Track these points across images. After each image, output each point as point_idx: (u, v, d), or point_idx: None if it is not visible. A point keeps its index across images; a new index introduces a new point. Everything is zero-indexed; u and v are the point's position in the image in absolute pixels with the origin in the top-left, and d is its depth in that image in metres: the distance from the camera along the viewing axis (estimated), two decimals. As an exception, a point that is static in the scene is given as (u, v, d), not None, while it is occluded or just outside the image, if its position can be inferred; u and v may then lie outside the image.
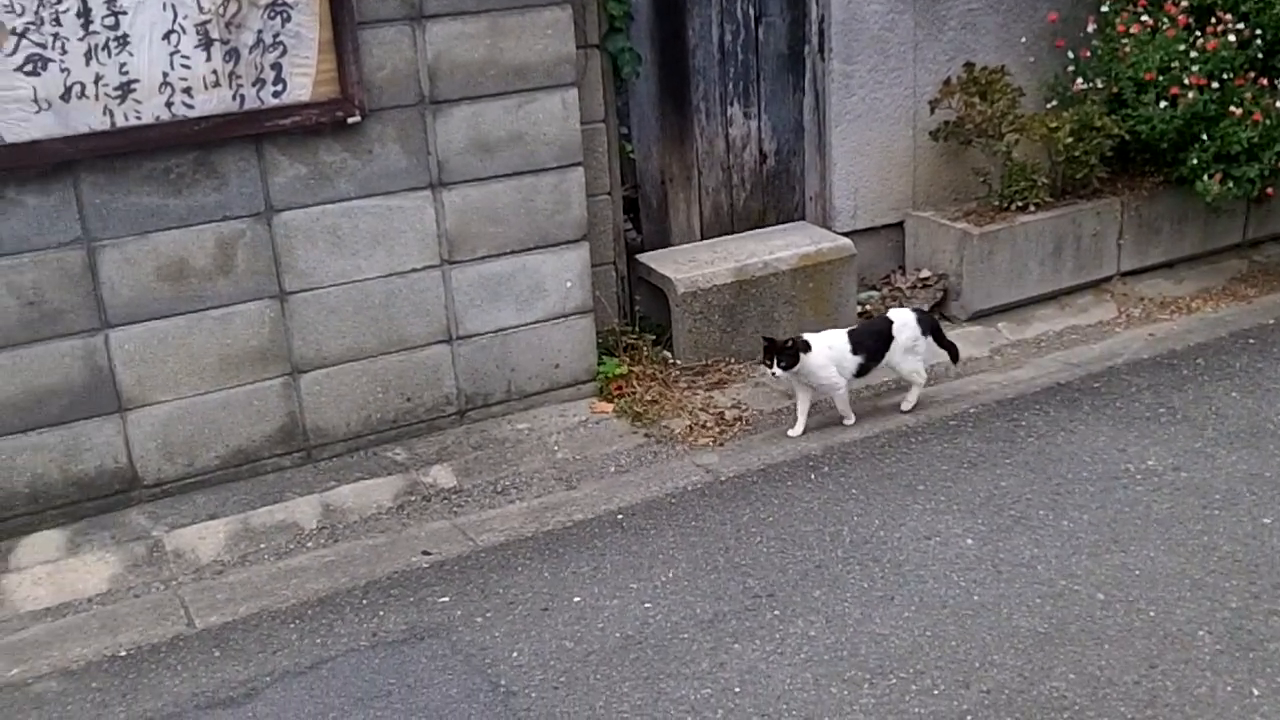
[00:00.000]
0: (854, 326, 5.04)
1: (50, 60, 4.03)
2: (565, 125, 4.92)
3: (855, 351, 4.90)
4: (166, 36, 4.17)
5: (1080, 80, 6.02)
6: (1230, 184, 5.86)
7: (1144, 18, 5.87)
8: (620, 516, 4.45)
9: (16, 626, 3.99)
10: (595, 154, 5.20)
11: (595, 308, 5.21)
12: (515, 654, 3.69)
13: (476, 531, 4.41)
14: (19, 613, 4.05)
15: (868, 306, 5.99)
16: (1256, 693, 3.33)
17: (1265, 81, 5.91)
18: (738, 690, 3.47)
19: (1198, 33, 5.84)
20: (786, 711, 3.37)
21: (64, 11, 4.00)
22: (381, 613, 3.94)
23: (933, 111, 6.06)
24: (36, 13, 3.97)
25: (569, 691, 3.51)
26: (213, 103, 4.29)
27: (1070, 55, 6.10)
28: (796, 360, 4.76)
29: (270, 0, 4.27)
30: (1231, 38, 5.78)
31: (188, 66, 4.22)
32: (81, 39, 4.05)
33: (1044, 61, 6.27)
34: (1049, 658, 3.52)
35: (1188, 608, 3.71)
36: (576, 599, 3.95)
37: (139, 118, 4.20)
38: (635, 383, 5.28)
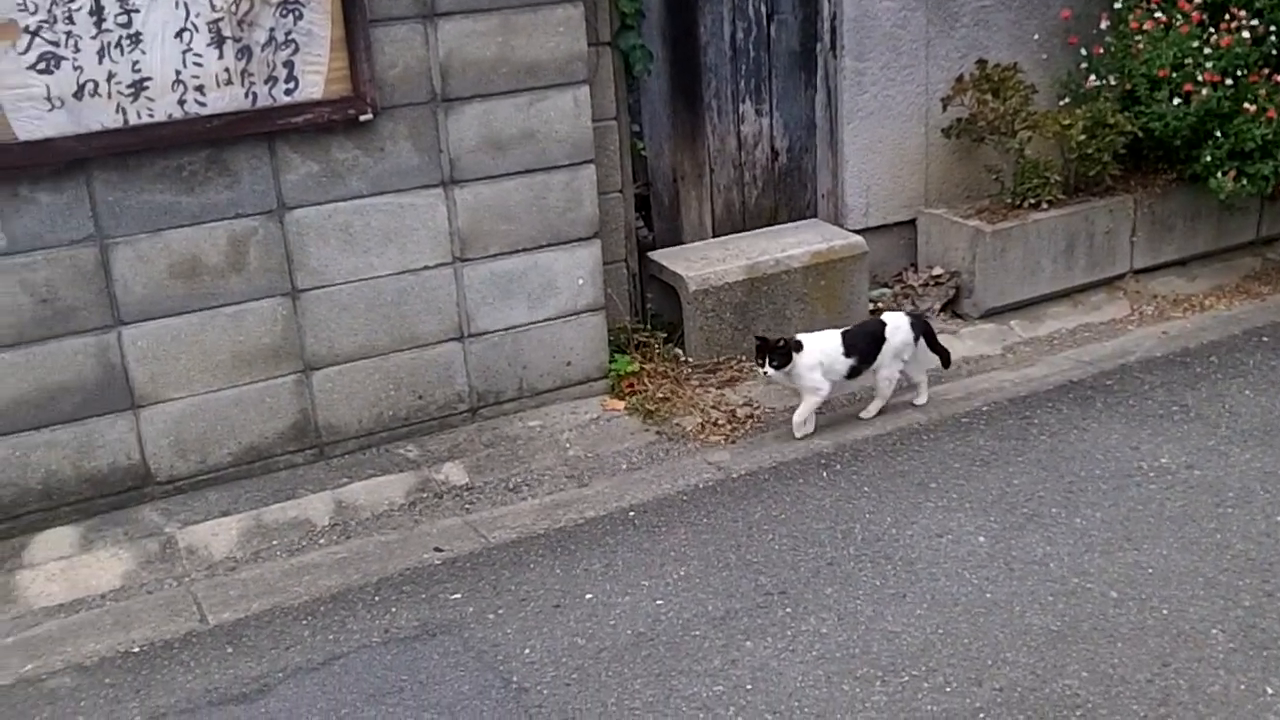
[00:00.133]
0: (847, 328, 5.01)
1: (63, 58, 4.04)
2: (577, 123, 4.92)
3: (848, 354, 4.87)
4: (179, 34, 4.17)
5: (1093, 77, 6.00)
6: (1244, 181, 5.84)
7: (1157, 14, 5.85)
8: (632, 514, 4.45)
9: (30, 622, 4.01)
10: (607, 151, 5.20)
11: (607, 305, 5.21)
12: (527, 651, 3.69)
13: (488, 528, 4.41)
14: (33, 609, 4.07)
15: (880, 304, 5.98)
16: (1270, 691, 3.32)
17: (1279, 78, 5.89)
18: (749, 687, 3.46)
19: (1211, 29, 5.82)
20: (798, 709, 3.37)
21: (77, 9, 4.01)
22: (394, 609, 3.95)
23: (945, 109, 6.04)
24: (49, 11, 3.98)
25: (581, 688, 3.51)
26: (225, 101, 4.30)
27: (1083, 52, 6.09)
28: (789, 359, 4.74)
29: (282, -2, 4.29)
30: (1245, 34, 5.75)
31: (200, 64, 4.23)
32: (94, 37, 4.06)
33: (1057, 58, 6.25)
34: (1061, 655, 3.51)
35: (1201, 606, 3.70)
36: (588, 596, 3.95)
37: (151, 116, 4.20)
38: (647, 380, 5.28)
